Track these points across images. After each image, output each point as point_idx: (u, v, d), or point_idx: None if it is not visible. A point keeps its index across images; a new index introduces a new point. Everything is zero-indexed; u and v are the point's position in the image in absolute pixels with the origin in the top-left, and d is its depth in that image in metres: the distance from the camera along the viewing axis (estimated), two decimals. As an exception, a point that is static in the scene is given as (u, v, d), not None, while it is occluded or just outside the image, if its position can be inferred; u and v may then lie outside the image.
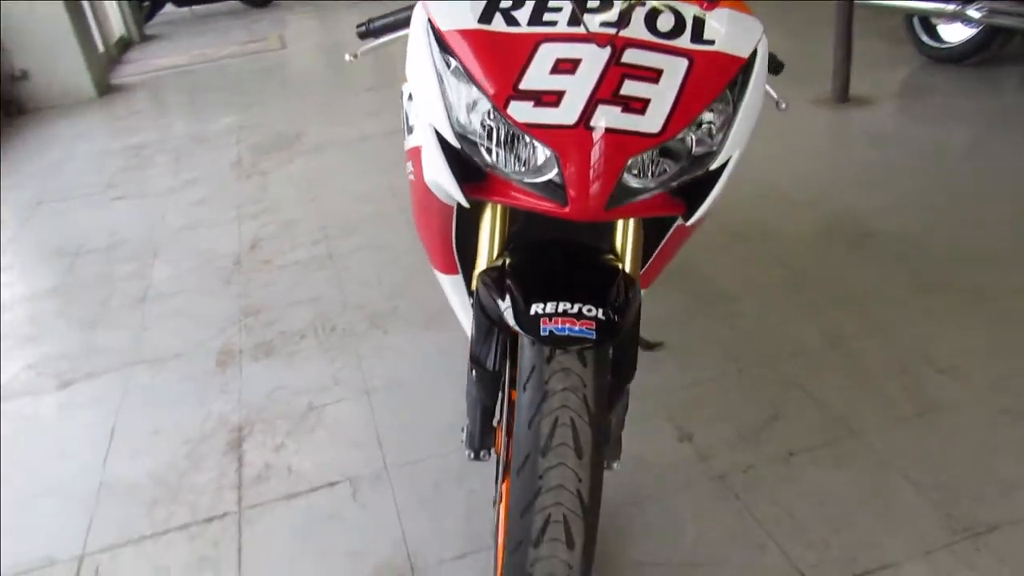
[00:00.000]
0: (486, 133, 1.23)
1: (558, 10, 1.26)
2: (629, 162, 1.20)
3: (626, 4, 1.23)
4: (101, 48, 7.11)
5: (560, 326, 1.21)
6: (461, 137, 1.27)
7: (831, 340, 2.29)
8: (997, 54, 4.42)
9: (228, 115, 5.38)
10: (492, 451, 1.52)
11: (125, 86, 6.65)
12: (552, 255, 1.40)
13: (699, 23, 1.25)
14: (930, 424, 1.94)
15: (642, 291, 1.78)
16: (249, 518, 1.90)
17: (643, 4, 1.25)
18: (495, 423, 1.49)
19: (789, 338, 2.32)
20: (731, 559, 1.64)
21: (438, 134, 1.28)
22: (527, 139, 1.20)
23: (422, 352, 2.46)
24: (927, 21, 4.61)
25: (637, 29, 1.21)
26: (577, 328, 1.21)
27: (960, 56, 4.47)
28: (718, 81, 1.22)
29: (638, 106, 1.17)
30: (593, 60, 1.18)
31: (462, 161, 1.29)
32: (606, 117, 1.16)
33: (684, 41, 1.22)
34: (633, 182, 1.23)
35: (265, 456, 2.10)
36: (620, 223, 1.42)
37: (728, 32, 1.25)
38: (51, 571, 1.82)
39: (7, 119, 5.87)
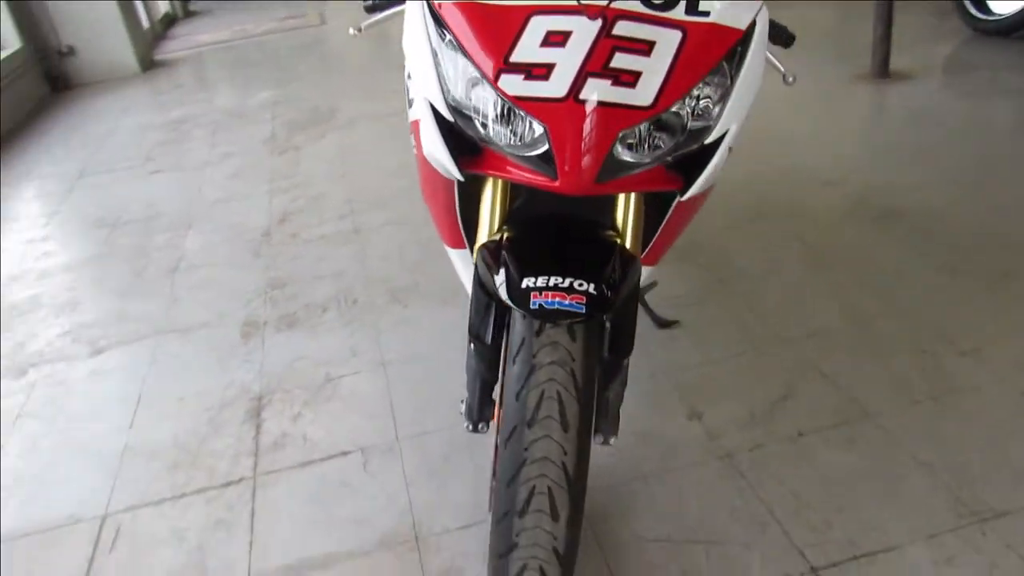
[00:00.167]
0: (480, 106, 1.23)
1: None
2: (622, 135, 1.19)
3: None
4: (146, 24, 7.24)
5: (550, 300, 1.21)
6: (456, 111, 1.27)
7: (851, 320, 2.26)
8: (1049, 27, 4.26)
9: (265, 90, 5.44)
10: (492, 424, 1.53)
11: (168, 61, 6.77)
12: (551, 230, 1.41)
13: (695, -7, 1.23)
14: (946, 407, 1.91)
15: (651, 268, 1.79)
16: (263, 484, 1.96)
17: None
18: (494, 396, 1.50)
19: (808, 318, 2.29)
20: (732, 537, 1.64)
21: (433, 108, 1.28)
22: (520, 112, 1.20)
23: (440, 327, 2.48)
24: (976, -8, 4.46)
25: (629, 1, 1.20)
26: (567, 302, 1.21)
27: (1010, 28, 4.31)
28: (713, 54, 1.21)
29: (629, 79, 1.16)
30: (583, 32, 1.17)
31: (459, 135, 1.30)
32: (596, 90, 1.15)
33: (678, 12, 1.21)
34: (627, 156, 1.22)
35: (282, 425, 2.15)
36: (621, 199, 1.41)
37: (725, 3, 1.23)
38: (75, 529, 1.90)
39: (55, 94, 6.03)
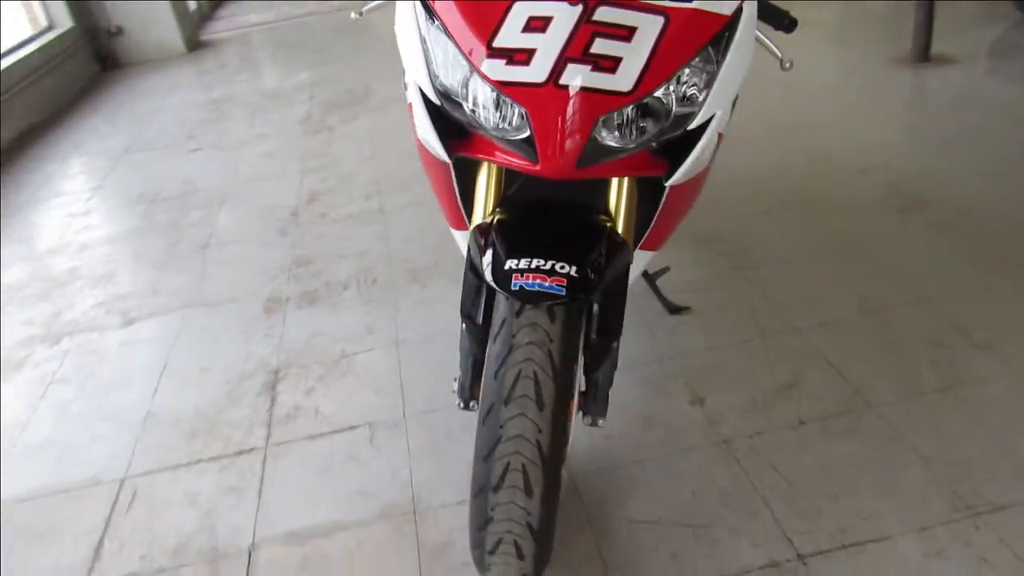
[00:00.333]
0: (465, 91, 1.26)
1: None
2: (604, 120, 1.21)
3: None
4: (193, 6, 7.37)
5: (530, 282, 1.24)
6: (443, 95, 1.30)
7: (864, 310, 2.23)
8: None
9: (304, 71, 5.52)
10: (482, 401, 1.57)
11: (213, 42, 6.89)
12: (542, 214, 1.43)
13: (679, -21, 1.24)
14: (953, 399, 1.88)
15: (652, 253, 1.80)
16: (274, 454, 2.02)
17: None
18: (485, 374, 1.53)
19: (821, 307, 2.27)
20: (722, 522, 1.66)
21: (423, 92, 1.31)
22: (502, 97, 1.22)
23: (455, 307, 2.50)
24: (1029, -26, 4.30)
25: (611, -15, 1.21)
26: (547, 284, 1.24)
27: (1063, 13, 4.16)
28: (696, 39, 1.21)
29: (608, 64, 1.18)
30: (563, 18, 1.19)
31: (450, 119, 1.33)
32: (575, 75, 1.17)
33: (661, -2, 1.21)
34: (611, 140, 1.24)
35: (296, 398, 2.21)
36: (614, 184, 1.43)
37: (709, -12, 1.23)
38: (95, 490, 1.99)
39: (104, 73, 6.20)
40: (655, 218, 1.62)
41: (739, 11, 1.25)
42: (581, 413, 1.54)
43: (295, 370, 2.33)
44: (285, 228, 3.23)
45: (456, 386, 1.55)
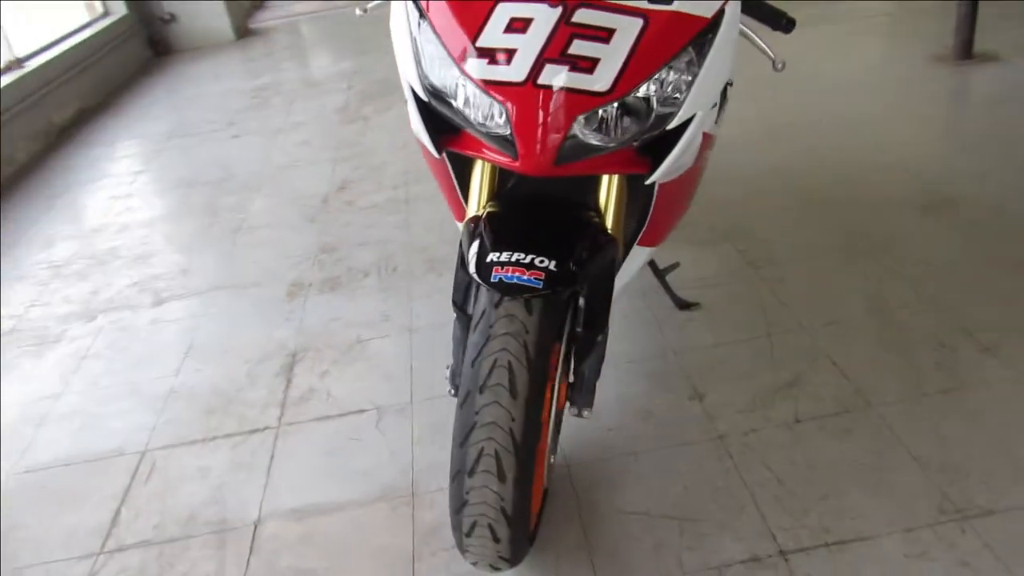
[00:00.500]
0: (452, 89, 1.30)
1: None
2: (583, 118, 1.24)
3: None
4: (245, -7, 7.54)
5: (510, 274, 1.28)
6: (434, 94, 1.34)
7: (874, 310, 2.22)
8: None
9: (344, 61, 5.62)
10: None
11: (261, 30, 7.04)
12: (532, 209, 1.47)
13: (660, -18, 1.26)
14: (954, 402, 1.87)
15: (651, 248, 1.82)
16: (285, 433, 2.10)
17: None
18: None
19: (830, 306, 2.26)
20: (708, 516, 1.68)
21: (414, 90, 1.36)
22: (485, 95, 1.26)
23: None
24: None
25: (591, -12, 1.24)
26: (525, 277, 1.28)
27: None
28: (675, 41, 1.24)
29: (586, 65, 1.21)
30: (543, 19, 1.22)
31: (440, 116, 1.37)
32: (552, 75, 1.21)
33: (641, 1, 1.23)
34: (591, 139, 1.27)
35: (310, 380, 2.29)
36: (604, 181, 1.46)
37: (690, -9, 1.25)
38: (117, 461, 2.10)
39: (156, 58, 6.39)
40: (649, 215, 1.65)
41: (720, 13, 1.27)
42: (568, 404, 1.57)
43: (311, 353, 2.41)
44: (314, 215, 3.32)
45: (448, 373, 1.60)
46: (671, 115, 1.28)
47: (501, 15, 1.25)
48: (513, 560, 1.42)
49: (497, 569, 1.44)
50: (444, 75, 1.30)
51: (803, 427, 1.87)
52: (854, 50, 4.29)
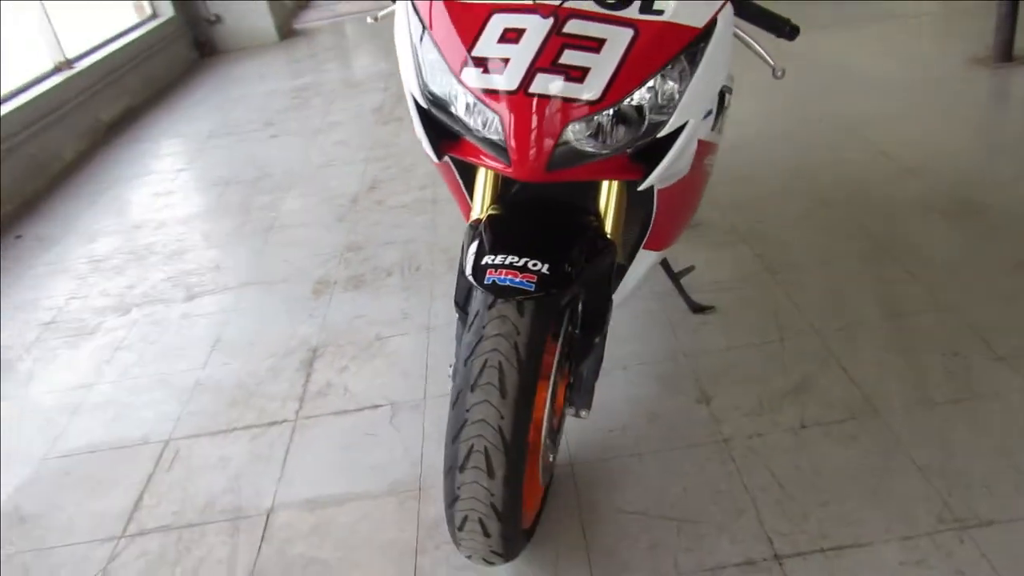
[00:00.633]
0: (450, 97, 1.35)
1: None
2: (575, 126, 1.27)
3: None
4: (289, -6, 7.70)
5: (503, 277, 1.32)
6: (433, 101, 1.39)
7: (889, 316, 2.20)
8: None
9: (383, 61, 5.71)
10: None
11: (305, 31, 7.18)
12: (533, 213, 1.51)
13: (650, -7, 1.28)
14: (962, 411, 1.86)
15: (657, 252, 1.84)
16: (302, 426, 2.17)
17: None
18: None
19: (845, 311, 2.25)
20: (706, 518, 1.69)
21: (415, 98, 1.40)
22: (479, 103, 1.30)
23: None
24: None
25: (583, 0, 1.27)
26: (518, 280, 1.31)
27: None
28: (664, 51, 1.26)
29: (577, 74, 1.24)
30: (535, 30, 1.26)
31: (440, 123, 1.42)
32: (543, 84, 1.24)
33: (632, 12, 1.26)
34: (583, 146, 1.30)
35: (329, 376, 2.36)
36: (604, 186, 1.49)
37: (681, 3, 1.28)
38: (143, 449, 2.18)
39: (201, 59, 6.56)
40: (652, 220, 1.67)
41: (713, 24, 1.29)
42: (567, 404, 1.61)
43: (332, 349, 2.48)
44: (344, 214, 3.39)
45: (451, 371, 1.64)
46: (663, 123, 1.30)
47: (496, 25, 1.28)
48: (506, 555, 1.46)
49: (491, 563, 1.48)
50: (442, 83, 1.34)
51: (809, 432, 1.87)
52: (892, 50, 4.23)
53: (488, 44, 1.28)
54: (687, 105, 1.29)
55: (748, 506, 1.71)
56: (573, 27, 1.25)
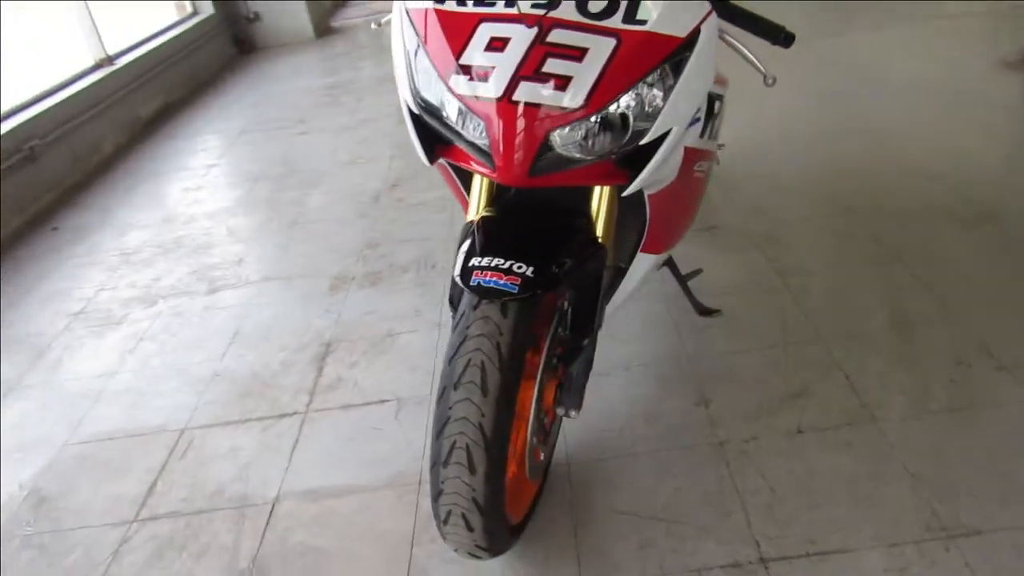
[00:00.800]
0: (439, 103, 1.39)
1: None
2: (559, 132, 1.30)
3: None
4: (327, -8, 7.82)
5: (488, 279, 1.36)
6: (425, 107, 1.43)
7: (896, 324, 2.19)
8: None
9: (415, 59, 5.77)
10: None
11: (341, 28, 7.29)
12: (525, 216, 1.54)
13: (634, 3, 1.31)
14: (960, 421, 1.85)
15: (656, 256, 1.87)
16: (311, 419, 2.23)
17: None
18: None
19: (852, 318, 2.25)
20: (695, 520, 1.71)
21: (408, 104, 1.45)
22: (465, 110, 1.34)
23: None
24: None
25: (567, 10, 1.30)
26: (502, 282, 1.35)
27: None
28: (647, 60, 1.28)
29: (559, 83, 1.27)
30: (520, 39, 1.29)
31: (431, 129, 1.46)
32: (526, 92, 1.27)
33: (615, 21, 1.29)
34: (568, 151, 1.33)
35: (340, 370, 2.42)
36: (596, 191, 1.52)
37: (664, 12, 1.30)
38: (159, 437, 2.26)
39: (240, 56, 6.70)
40: (648, 222, 1.69)
41: (696, 33, 1.31)
42: (556, 404, 1.64)
43: (344, 344, 2.54)
44: (365, 211, 3.46)
45: (444, 369, 1.68)
46: (643, 131, 1.33)
47: (483, 34, 1.32)
48: (491, 549, 1.49)
49: (477, 557, 1.52)
50: (434, 91, 1.38)
51: (804, 438, 1.88)
52: (923, 52, 4.17)
53: (475, 52, 1.32)
54: (670, 113, 1.31)
55: (737, 509, 1.72)
56: (557, 36, 1.28)
